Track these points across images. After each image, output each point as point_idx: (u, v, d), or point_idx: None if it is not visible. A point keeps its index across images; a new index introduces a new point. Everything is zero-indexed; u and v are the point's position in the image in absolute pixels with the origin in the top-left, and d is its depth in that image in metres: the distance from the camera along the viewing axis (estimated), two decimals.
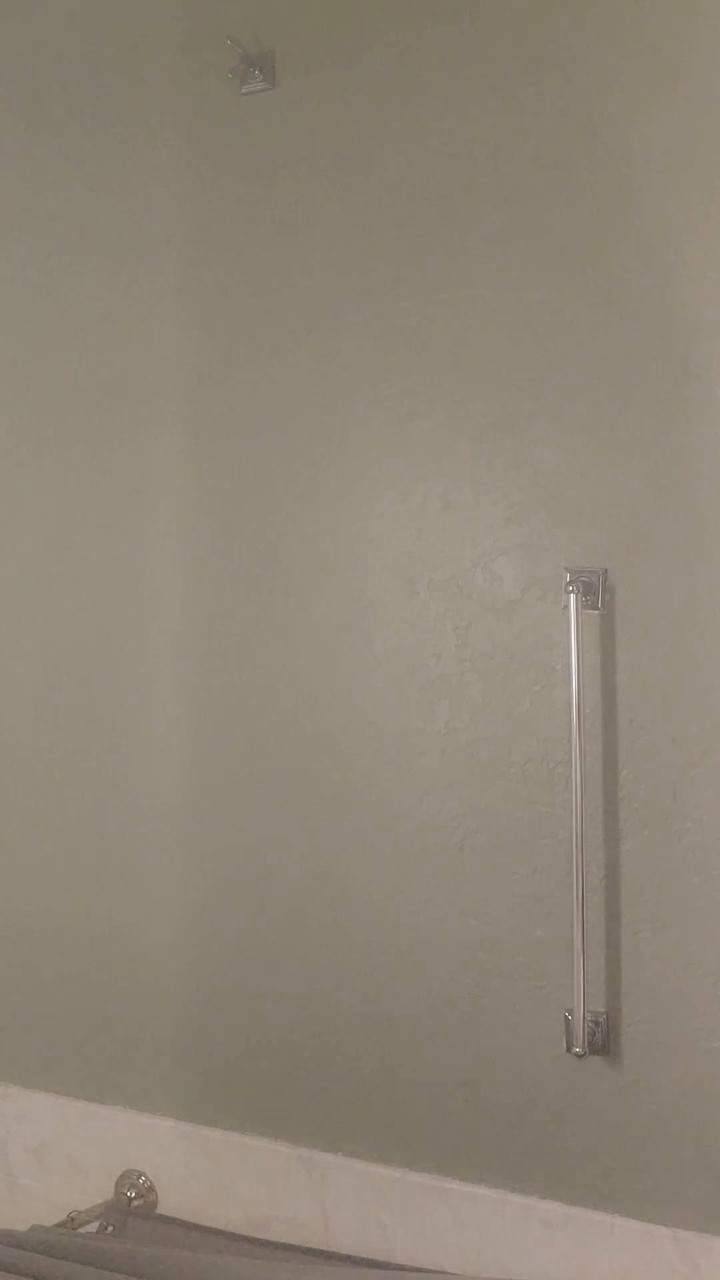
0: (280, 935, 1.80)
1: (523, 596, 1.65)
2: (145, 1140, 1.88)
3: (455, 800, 1.68)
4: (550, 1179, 1.60)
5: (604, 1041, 1.56)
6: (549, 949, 1.61)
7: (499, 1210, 1.62)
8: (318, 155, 1.81)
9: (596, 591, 1.58)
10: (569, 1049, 1.55)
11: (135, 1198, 1.86)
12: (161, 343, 1.93)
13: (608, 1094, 1.57)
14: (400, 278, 1.74)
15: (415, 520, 1.72)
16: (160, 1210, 1.86)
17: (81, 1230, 1.80)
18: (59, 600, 2.00)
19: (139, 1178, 1.88)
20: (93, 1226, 1.84)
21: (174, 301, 1.92)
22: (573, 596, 1.55)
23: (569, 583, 1.57)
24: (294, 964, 1.79)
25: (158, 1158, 1.87)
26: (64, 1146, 1.96)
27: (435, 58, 1.73)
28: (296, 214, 1.82)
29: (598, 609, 1.58)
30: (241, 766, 1.83)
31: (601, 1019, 1.57)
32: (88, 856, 1.96)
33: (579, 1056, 1.55)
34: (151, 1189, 1.87)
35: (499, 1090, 1.64)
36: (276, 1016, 1.80)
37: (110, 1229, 1.79)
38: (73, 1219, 1.78)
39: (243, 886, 1.83)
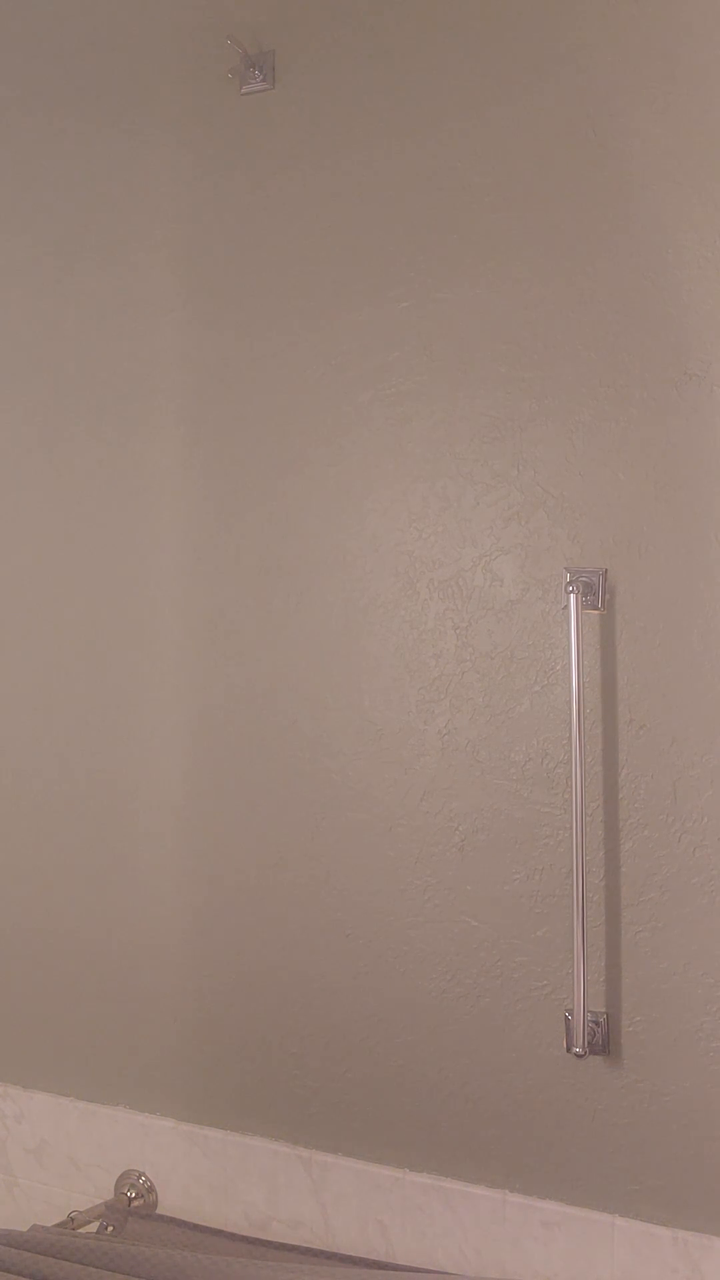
0: (280, 935, 1.80)
1: (523, 596, 1.65)
2: (145, 1140, 1.88)
3: (455, 800, 1.68)
4: (550, 1179, 1.61)
5: (604, 1041, 1.56)
6: (549, 949, 1.61)
7: (499, 1210, 1.62)
8: (318, 155, 1.81)
9: (596, 591, 1.58)
10: (569, 1049, 1.55)
11: (135, 1198, 1.86)
12: (161, 343, 1.93)
13: (608, 1094, 1.57)
14: (400, 278, 1.74)
15: (415, 520, 1.72)
16: (160, 1210, 1.86)
17: (81, 1230, 1.79)
18: (59, 600, 2.00)
19: (139, 1178, 1.88)
20: (93, 1226, 1.84)
21: (174, 301, 1.92)
22: (573, 596, 1.55)
23: (569, 583, 1.57)
24: (294, 964, 1.79)
25: (158, 1158, 1.87)
26: (64, 1146, 1.96)
27: (435, 58, 1.73)
28: (296, 214, 1.82)
29: (598, 609, 1.58)
30: (241, 766, 1.84)
31: (601, 1019, 1.57)
32: (87, 856, 1.96)
33: (579, 1056, 1.55)
34: (151, 1189, 1.87)
35: (499, 1090, 1.64)
36: (276, 1016, 1.80)
37: (110, 1229, 1.78)
38: (73, 1219, 1.78)
39: (243, 886, 1.83)
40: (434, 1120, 1.68)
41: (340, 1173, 1.73)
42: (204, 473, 1.88)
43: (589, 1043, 1.56)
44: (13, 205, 2.07)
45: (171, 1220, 1.78)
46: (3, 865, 2.05)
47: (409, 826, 1.71)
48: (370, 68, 1.77)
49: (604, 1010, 1.58)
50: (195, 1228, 1.76)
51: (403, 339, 1.74)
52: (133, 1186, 1.87)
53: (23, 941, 2.02)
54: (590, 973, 1.58)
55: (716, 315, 1.54)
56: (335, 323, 1.79)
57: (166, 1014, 1.89)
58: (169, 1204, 1.86)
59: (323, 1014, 1.76)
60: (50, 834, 2.00)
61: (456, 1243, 1.65)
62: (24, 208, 2.06)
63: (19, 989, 2.03)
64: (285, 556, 1.82)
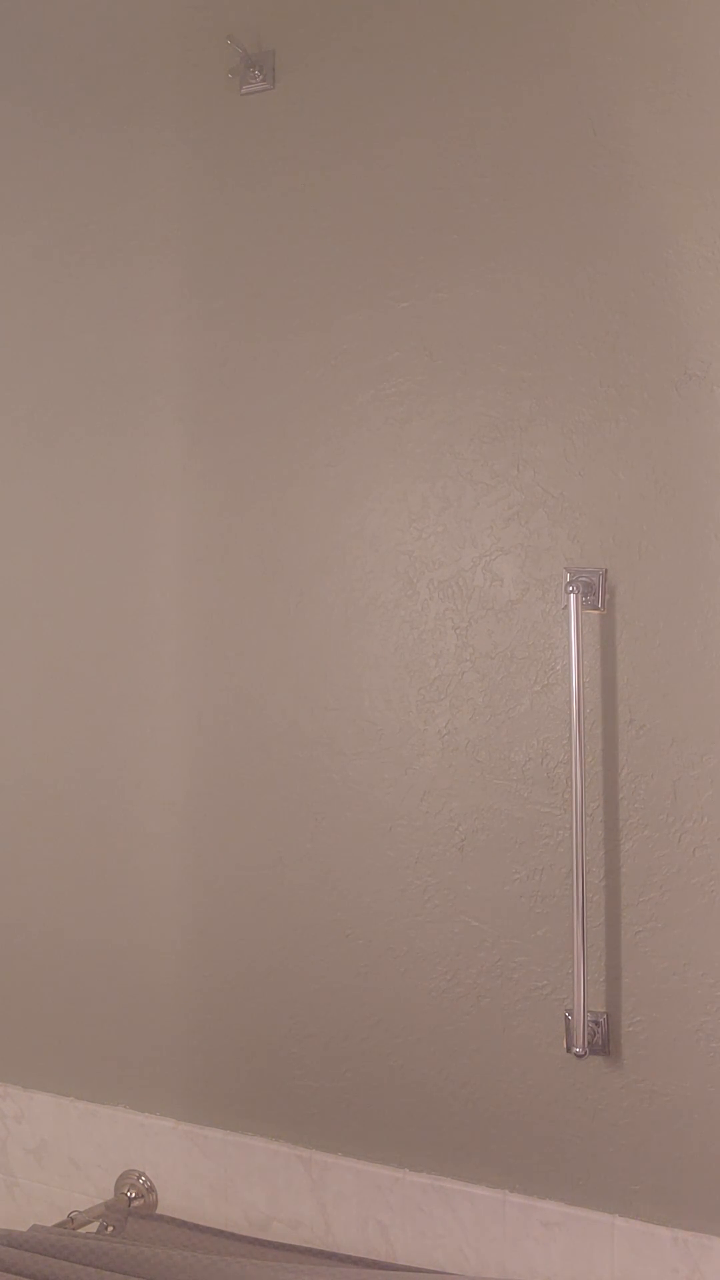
0: (280, 935, 1.80)
1: (523, 596, 1.65)
2: (145, 1140, 1.88)
3: (455, 800, 1.68)
4: (550, 1179, 1.61)
5: (604, 1041, 1.56)
6: (549, 949, 1.61)
7: (499, 1210, 1.62)
8: (318, 155, 1.81)
9: (596, 591, 1.58)
10: (569, 1049, 1.55)
11: (135, 1198, 1.86)
12: (161, 342, 1.93)
13: (608, 1094, 1.57)
14: (400, 278, 1.74)
15: (415, 520, 1.72)
16: (160, 1210, 1.86)
17: (81, 1230, 1.80)
18: (58, 600, 2.00)
19: (139, 1178, 1.88)
20: (93, 1226, 1.84)
21: (174, 301, 1.92)
22: (573, 596, 1.55)
23: (569, 583, 1.57)
24: (294, 964, 1.79)
25: (158, 1158, 1.87)
26: (64, 1146, 1.96)
27: (435, 58, 1.73)
28: (296, 214, 1.82)
29: (598, 609, 1.58)
30: (241, 766, 1.84)
31: (601, 1019, 1.57)
32: (87, 856, 1.96)
33: (579, 1056, 1.55)
34: (151, 1189, 1.87)
35: (499, 1090, 1.64)
36: (276, 1016, 1.80)
37: (110, 1229, 1.79)
38: (73, 1219, 1.78)
39: (243, 886, 1.83)
40: (434, 1120, 1.68)
41: (340, 1173, 1.73)
42: (204, 472, 1.88)
43: (589, 1043, 1.56)
44: (13, 205, 2.07)
45: (171, 1220, 1.78)
46: (3, 865, 2.05)
47: (409, 826, 1.71)
48: (370, 68, 1.78)
49: (604, 1010, 1.58)
50: (195, 1228, 1.76)
51: (403, 339, 1.74)
52: (133, 1186, 1.87)
53: (23, 941, 2.02)
54: (590, 973, 1.58)
55: (716, 315, 1.54)
56: (335, 323, 1.79)
57: (166, 1014, 1.89)
58: (169, 1204, 1.86)
59: (323, 1014, 1.76)
60: (50, 834, 2.00)
61: (456, 1243, 1.65)
62: (24, 207, 2.06)
63: (19, 989, 2.03)
64: (285, 556, 1.82)
